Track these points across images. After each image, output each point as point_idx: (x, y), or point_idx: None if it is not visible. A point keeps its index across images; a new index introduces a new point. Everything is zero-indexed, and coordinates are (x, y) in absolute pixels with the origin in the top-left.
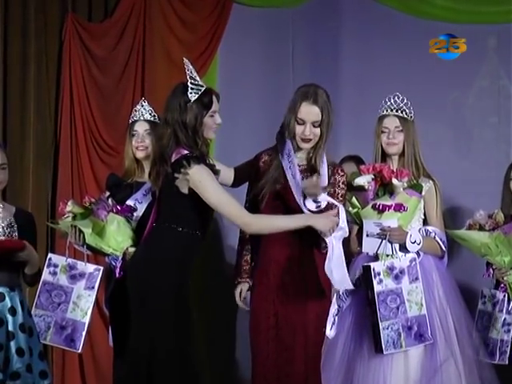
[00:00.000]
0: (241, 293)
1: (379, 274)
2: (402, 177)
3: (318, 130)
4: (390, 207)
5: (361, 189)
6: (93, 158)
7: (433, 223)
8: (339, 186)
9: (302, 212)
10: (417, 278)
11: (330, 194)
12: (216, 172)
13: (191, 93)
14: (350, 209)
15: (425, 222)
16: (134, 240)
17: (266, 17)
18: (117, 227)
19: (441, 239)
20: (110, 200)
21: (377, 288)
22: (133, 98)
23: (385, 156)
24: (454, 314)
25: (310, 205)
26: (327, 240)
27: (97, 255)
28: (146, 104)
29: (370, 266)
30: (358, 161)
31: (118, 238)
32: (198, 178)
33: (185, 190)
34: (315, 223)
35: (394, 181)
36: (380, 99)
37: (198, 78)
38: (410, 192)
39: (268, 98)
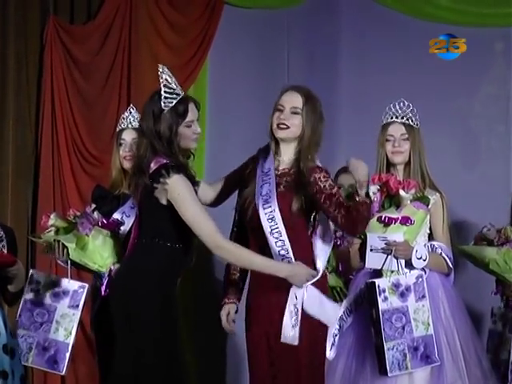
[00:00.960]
0: (228, 315)
1: (384, 291)
2: (409, 188)
3: (297, 120)
4: (396, 220)
5: None
6: (75, 168)
7: (439, 238)
8: (321, 179)
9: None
10: (423, 296)
11: (312, 194)
12: (196, 183)
13: (165, 102)
14: None
15: (429, 237)
16: (120, 256)
17: (260, 19)
18: (102, 242)
19: (447, 255)
20: (95, 213)
21: (381, 306)
22: (118, 106)
23: (389, 166)
24: (460, 334)
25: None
26: (294, 292)
27: (81, 272)
28: (134, 111)
29: (374, 283)
30: None
31: (103, 253)
32: (177, 191)
33: (164, 201)
34: (292, 279)
35: (401, 192)
36: (380, 106)
37: (174, 85)
38: (417, 204)
39: (261, 106)
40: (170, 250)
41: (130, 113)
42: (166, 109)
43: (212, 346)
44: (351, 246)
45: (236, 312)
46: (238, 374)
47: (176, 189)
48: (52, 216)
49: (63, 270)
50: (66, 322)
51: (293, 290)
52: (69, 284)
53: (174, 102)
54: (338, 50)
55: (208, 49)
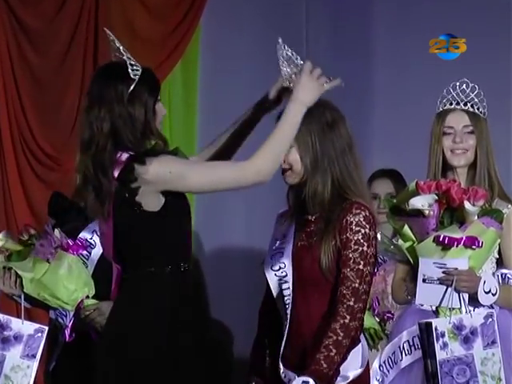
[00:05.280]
0: None
1: (443, 335)
2: (477, 199)
3: (292, 155)
4: (459, 241)
5: (416, 214)
6: (24, 171)
7: (511, 265)
8: (351, 229)
9: None
10: (494, 342)
11: (338, 246)
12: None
13: (133, 70)
14: (401, 242)
15: (497, 263)
16: (91, 288)
17: None
18: (67, 271)
19: None
20: (56, 231)
21: (440, 355)
22: (81, 87)
23: (445, 169)
24: None
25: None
26: None
27: (37, 309)
28: None
29: (430, 325)
30: (394, 177)
31: (69, 285)
32: (166, 170)
33: (151, 206)
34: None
35: (467, 204)
36: (429, 89)
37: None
38: (486, 221)
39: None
40: (169, 277)
41: None
42: (135, 79)
43: None
44: (388, 274)
45: None
46: None
47: (164, 170)
48: (0, 236)
49: (11, 305)
50: (18, 377)
51: None
52: (22, 326)
53: (141, 71)
54: (372, 18)
55: (200, 13)
